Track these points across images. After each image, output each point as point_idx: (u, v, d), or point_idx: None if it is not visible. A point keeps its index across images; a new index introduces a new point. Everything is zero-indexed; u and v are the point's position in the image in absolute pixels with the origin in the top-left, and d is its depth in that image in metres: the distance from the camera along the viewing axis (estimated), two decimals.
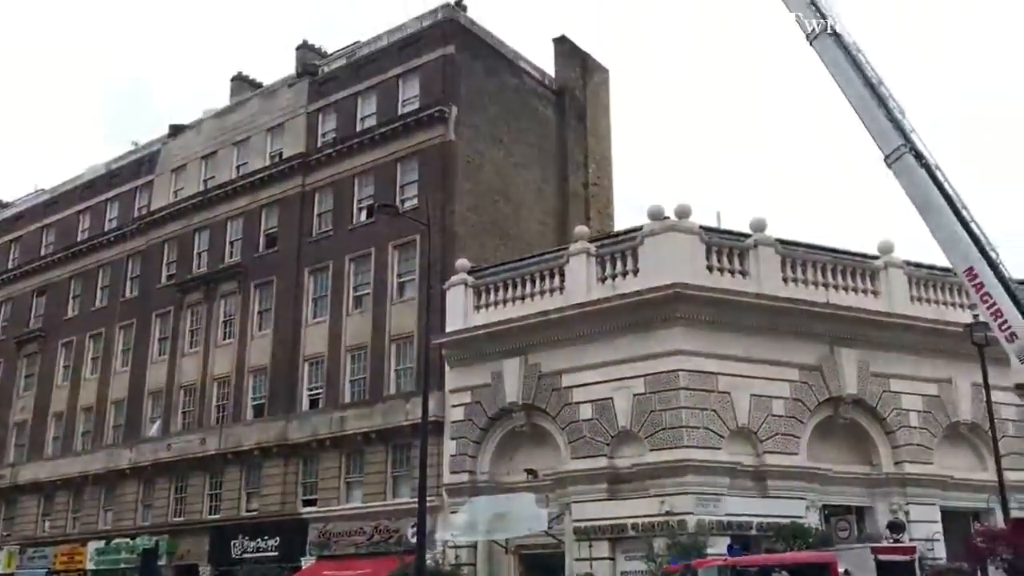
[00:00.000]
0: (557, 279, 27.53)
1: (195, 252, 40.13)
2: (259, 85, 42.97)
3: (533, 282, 28.06)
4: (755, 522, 23.70)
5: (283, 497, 33.19)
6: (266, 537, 33.09)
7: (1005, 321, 18.48)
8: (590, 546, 24.75)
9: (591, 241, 27.88)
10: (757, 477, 24.63)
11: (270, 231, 37.77)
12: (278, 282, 36.34)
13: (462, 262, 29.95)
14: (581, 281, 26.78)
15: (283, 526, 32.64)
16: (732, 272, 25.97)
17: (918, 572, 17.98)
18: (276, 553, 32.62)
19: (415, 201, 32.62)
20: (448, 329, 29.13)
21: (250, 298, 37.10)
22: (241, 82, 43.88)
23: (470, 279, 29.46)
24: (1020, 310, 18.51)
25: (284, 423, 33.76)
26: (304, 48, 40.59)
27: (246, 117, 40.33)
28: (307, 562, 31.55)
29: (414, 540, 24.64)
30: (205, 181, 40.79)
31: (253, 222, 38.22)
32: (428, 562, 24.49)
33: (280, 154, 38.27)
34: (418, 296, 31.24)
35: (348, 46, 39.08)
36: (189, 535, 35.70)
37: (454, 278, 29.65)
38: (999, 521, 23.22)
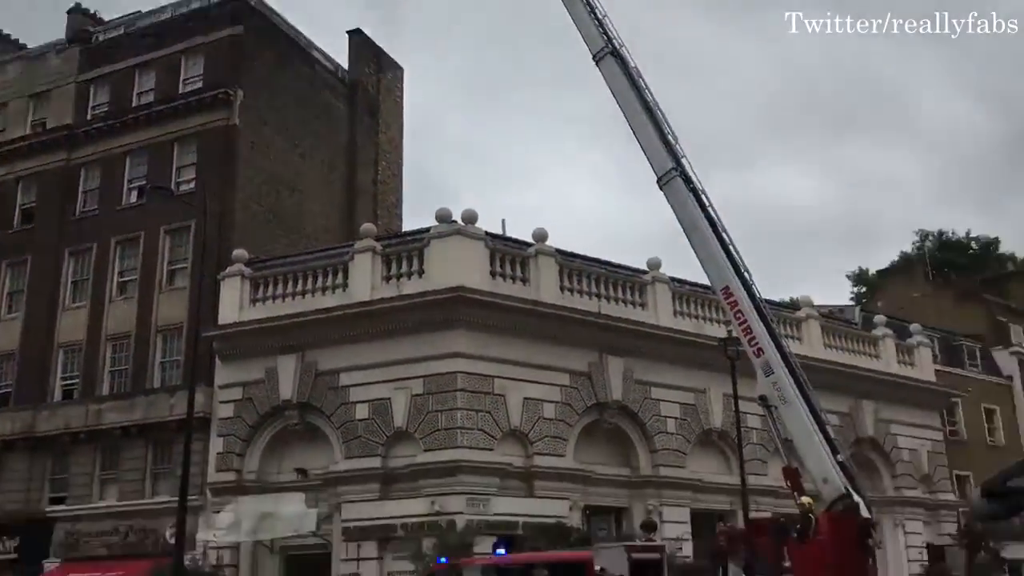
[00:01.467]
0: (341, 276, 27.08)
1: None
2: (23, 46, 39.46)
3: (315, 278, 27.40)
4: (521, 522, 24.30)
5: (28, 495, 30.60)
6: (4, 538, 30.34)
7: (753, 337, 20.02)
8: (358, 546, 24.56)
9: (377, 240, 27.67)
10: (526, 478, 25.31)
11: (27, 206, 34.78)
12: (33, 261, 33.50)
13: (239, 252, 28.80)
14: (365, 280, 26.47)
15: (25, 526, 30.06)
16: (514, 279, 26.54)
17: (666, 570, 19.04)
18: (15, 555, 30.01)
19: (192, 185, 31.11)
20: (221, 322, 27.96)
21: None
22: (2, 42, 40.10)
23: (247, 271, 28.41)
24: (767, 328, 20.15)
25: (32, 414, 31.16)
26: (77, 12, 37.60)
27: (6, 80, 36.90)
28: (50, 565, 29.22)
29: (173, 541, 23.46)
30: None
31: (8, 195, 35.02)
32: (187, 563, 23.46)
33: (44, 124, 35.33)
34: (190, 285, 29.82)
35: (128, 15, 36.64)
36: None
37: (230, 268, 28.44)
38: (741, 522, 25.18)
